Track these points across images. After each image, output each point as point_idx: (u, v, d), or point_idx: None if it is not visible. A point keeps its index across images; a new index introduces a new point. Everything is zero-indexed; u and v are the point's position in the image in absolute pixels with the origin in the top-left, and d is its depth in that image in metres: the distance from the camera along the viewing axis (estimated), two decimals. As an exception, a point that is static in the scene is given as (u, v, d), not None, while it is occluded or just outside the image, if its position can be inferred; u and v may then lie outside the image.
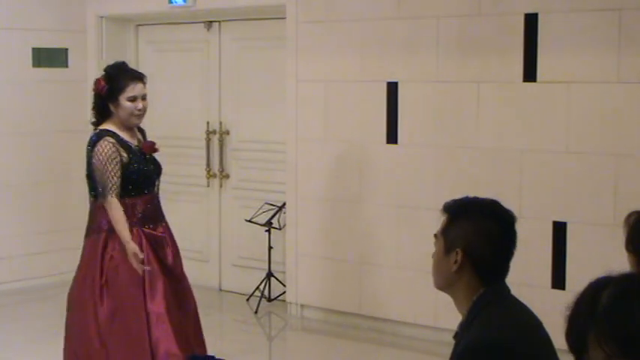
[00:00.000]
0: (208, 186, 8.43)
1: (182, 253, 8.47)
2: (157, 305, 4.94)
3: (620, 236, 3.16)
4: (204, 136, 8.38)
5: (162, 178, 8.36)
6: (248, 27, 8.14)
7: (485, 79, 6.44)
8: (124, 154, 4.95)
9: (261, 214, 7.60)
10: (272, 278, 7.69)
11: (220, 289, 8.39)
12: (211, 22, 8.34)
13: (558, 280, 6.19)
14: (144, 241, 4.99)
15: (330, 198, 7.27)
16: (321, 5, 7.20)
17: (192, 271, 8.50)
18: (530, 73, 6.24)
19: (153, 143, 5.18)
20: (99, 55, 8.65)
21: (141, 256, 4.85)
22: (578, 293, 1.78)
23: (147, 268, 4.90)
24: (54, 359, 6.37)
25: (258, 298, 7.64)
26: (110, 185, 4.87)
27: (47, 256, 8.44)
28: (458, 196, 2.99)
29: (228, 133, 8.31)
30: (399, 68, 6.83)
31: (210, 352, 5.55)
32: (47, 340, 6.58)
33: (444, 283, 2.84)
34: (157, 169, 5.24)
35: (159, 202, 5.25)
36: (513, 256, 2.82)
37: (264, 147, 8.02)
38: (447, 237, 2.81)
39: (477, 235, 2.76)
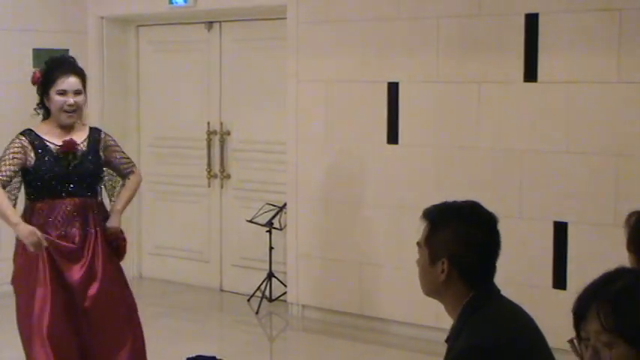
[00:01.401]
0: (209, 186, 8.44)
1: (182, 254, 8.61)
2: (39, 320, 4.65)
3: (620, 236, 3.16)
4: (205, 136, 8.38)
5: (163, 178, 8.37)
6: (249, 27, 8.15)
7: (485, 80, 6.45)
8: (31, 156, 4.68)
9: (262, 214, 7.61)
10: (273, 278, 7.69)
11: (221, 290, 8.40)
12: (212, 22, 8.35)
13: (559, 281, 6.19)
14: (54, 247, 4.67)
15: (331, 198, 7.28)
16: (322, 5, 7.21)
17: (193, 271, 8.56)
18: (530, 73, 6.25)
19: (72, 142, 4.73)
20: (100, 56, 8.65)
21: (38, 234, 4.54)
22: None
23: (45, 244, 4.59)
24: None
25: (259, 299, 7.64)
26: None
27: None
28: (459, 197, 2.99)
29: (229, 133, 8.32)
30: (400, 68, 6.84)
31: (211, 352, 5.55)
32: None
33: (433, 291, 2.84)
34: (87, 170, 4.76)
35: (89, 206, 4.79)
36: (499, 256, 2.82)
37: (265, 147, 8.02)
38: (431, 246, 2.80)
39: (459, 243, 2.75)
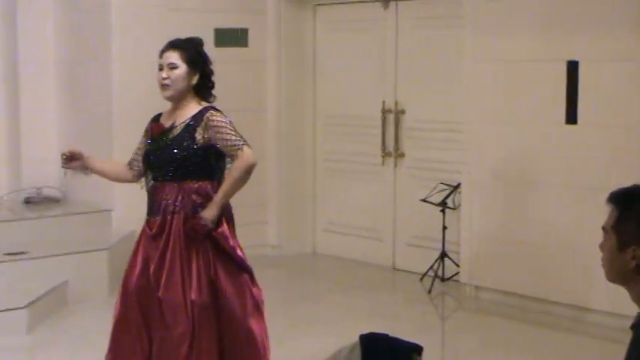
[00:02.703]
0: (383, 165, 8.47)
1: (356, 232, 8.68)
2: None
3: None
4: (380, 115, 8.40)
5: (338, 156, 8.46)
6: (425, 5, 8.10)
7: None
8: (142, 139, 4.66)
9: (435, 193, 7.58)
10: (446, 258, 7.66)
11: (394, 268, 8.43)
12: (388, 1, 8.34)
13: None
14: (144, 229, 4.55)
15: (506, 179, 7.17)
16: (500, -17, 7.09)
17: (366, 249, 8.63)
18: None
19: (159, 126, 4.54)
20: (277, 35, 8.80)
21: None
22: None
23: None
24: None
25: (432, 278, 7.62)
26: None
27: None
28: (638, 179, 2.88)
29: (403, 112, 8.31)
30: (580, 46, 6.65)
31: (383, 330, 5.59)
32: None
33: (620, 278, 2.74)
34: (169, 155, 4.45)
35: (163, 194, 4.47)
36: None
37: (440, 127, 7.97)
38: (619, 232, 2.70)
39: None
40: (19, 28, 8.32)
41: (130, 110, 8.01)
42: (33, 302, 6.46)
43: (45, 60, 8.48)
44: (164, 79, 4.46)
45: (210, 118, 4.44)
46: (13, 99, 8.46)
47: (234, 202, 8.29)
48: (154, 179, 4.50)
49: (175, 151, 4.41)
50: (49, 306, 6.69)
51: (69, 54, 8.51)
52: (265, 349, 4.55)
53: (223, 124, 4.44)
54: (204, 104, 4.55)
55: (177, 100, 4.51)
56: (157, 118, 4.62)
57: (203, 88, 4.59)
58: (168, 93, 4.49)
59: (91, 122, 8.34)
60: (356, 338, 5.49)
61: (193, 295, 4.32)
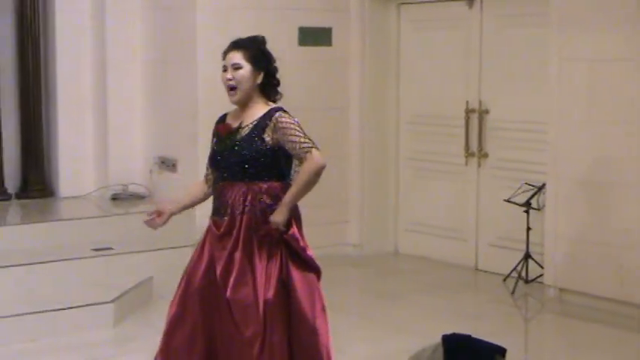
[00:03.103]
0: (466, 164, 8.40)
1: (438, 232, 8.63)
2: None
3: None
4: (463, 114, 8.34)
5: (421, 155, 8.44)
6: (510, 4, 8.02)
7: None
8: (212, 144, 4.58)
9: (519, 194, 7.50)
10: (530, 260, 7.57)
11: (476, 269, 8.36)
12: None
13: None
14: (210, 228, 4.46)
15: (591, 179, 7.06)
16: (588, -20, 6.98)
17: (448, 249, 8.57)
18: None
19: (225, 127, 4.48)
20: (361, 34, 8.80)
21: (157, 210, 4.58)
22: None
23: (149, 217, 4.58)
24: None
25: (515, 279, 7.55)
26: None
27: (310, 229, 8.70)
28: None
29: (487, 112, 8.23)
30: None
31: (466, 331, 5.56)
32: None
33: None
34: (236, 156, 4.36)
35: (231, 194, 4.37)
36: None
37: (525, 127, 7.88)
38: None
39: None
40: (107, 27, 8.47)
41: (215, 110, 8.03)
42: (119, 297, 6.58)
43: (132, 59, 8.62)
44: (229, 80, 4.41)
45: (279, 119, 4.36)
46: (100, 97, 8.62)
47: (315, 200, 8.28)
48: (222, 179, 4.41)
49: (244, 151, 4.34)
50: (134, 301, 6.80)
51: (155, 54, 8.63)
52: (329, 350, 4.44)
53: (292, 126, 4.35)
54: (272, 104, 4.48)
55: (244, 101, 4.44)
56: (222, 119, 4.58)
57: (268, 86, 4.52)
58: (235, 97, 4.43)
59: (176, 122, 8.44)
60: (438, 339, 5.47)
61: (264, 295, 4.27)
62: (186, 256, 7.23)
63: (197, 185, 4.68)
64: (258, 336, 4.24)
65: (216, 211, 4.43)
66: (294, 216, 4.42)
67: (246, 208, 4.32)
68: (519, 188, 7.53)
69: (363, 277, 8.31)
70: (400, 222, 9.05)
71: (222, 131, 4.47)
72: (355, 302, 7.52)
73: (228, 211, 4.35)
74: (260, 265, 4.30)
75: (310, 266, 4.46)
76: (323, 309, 4.44)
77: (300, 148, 4.32)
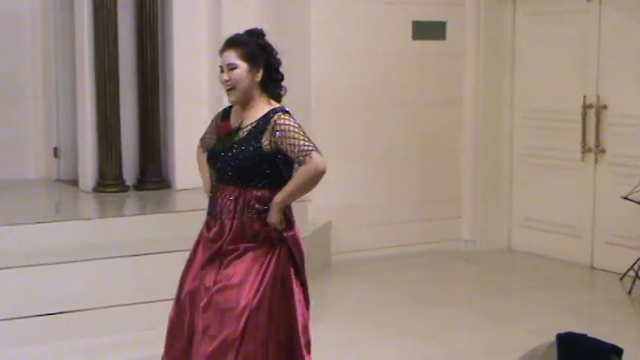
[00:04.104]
0: (583, 160, 8.24)
1: (553, 228, 8.50)
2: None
3: None
4: (580, 110, 8.18)
5: (536, 151, 8.30)
6: (631, -4, 7.84)
7: None
8: (213, 137, 4.34)
9: (638, 191, 7.32)
10: (648, 259, 7.40)
11: (592, 267, 8.20)
12: (592, -8, 8.13)
13: None
14: (203, 230, 4.29)
15: None
16: None
17: (563, 246, 8.43)
18: None
19: (224, 126, 4.24)
20: (476, 28, 8.72)
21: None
22: None
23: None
24: (433, 323, 6.62)
25: (632, 279, 7.37)
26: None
27: (422, 224, 8.69)
28: None
29: (605, 107, 8.06)
30: None
31: (581, 330, 5.45)
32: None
33: None
34: (229, 159, 4.13)
35: (222, 198, 4.17)
36: None
37: (644, 122, 7.70)
38: None
39: None
40: (223, 21, 8.58)
41: (328, 105, 8.17)
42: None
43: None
44: (226, 81, 4.15)
45: (277, 121, 4.07)
46: (215, 90, 8.73)
47: (428, 196, 8.34)
48: (217, 180, 4.21)
49: (240, 155, 4.08)
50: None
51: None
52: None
53: (291, 128, 4.05)
54: (274, 104, 4.19)
55: (244, 100, 4.18)
56: (226, 113, 4.33)
57: (271, 82, 4.24)
58: (233, 97, 4.17)
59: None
60: (552, 337, 5.38)
61: (246, 301, 4.03)
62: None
63: (202, 158, 4.43)
64: (233, 342, 4.01)
65: (209, 211, 4.25)
66: (291, 216, 4.20)
67: (237, 214, 4.10)
68: (638, 185, 7.35)
69: (475, 273, 8.24)
70: (514, 218, 8.94)
71: (221, 131, 4.22)
72: (467, 298, 7.46)
73: (219, 214, 4.15)
74: (256, 269, 4.08)
75: (301, 281, 4.24)
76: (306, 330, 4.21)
77: (299, 150, 4.02)
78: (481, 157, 8.83)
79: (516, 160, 8.90)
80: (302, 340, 4.13)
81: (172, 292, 4.31)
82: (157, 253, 6.79)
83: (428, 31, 8.63)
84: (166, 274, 6.51)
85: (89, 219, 7.32)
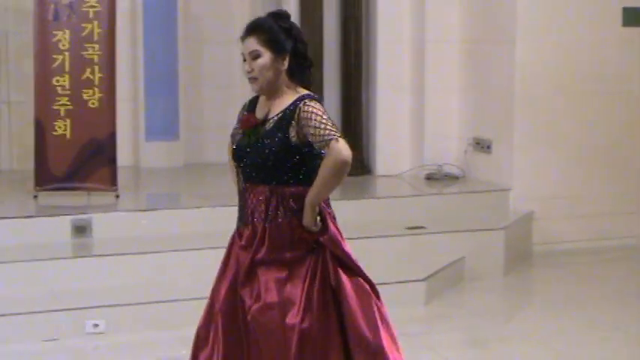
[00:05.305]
0: None
1: None
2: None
3: None
4: None
5: None
6: None
7: None
8: (235, 131, 3.94)
9: None
10: None
11: None
12: None
13: None
14: (234, 238, 3.91)
15: None
16: None
17: None
18: None
19: (247, 119, 3.86)
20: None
21: None
22: None
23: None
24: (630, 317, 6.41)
25: None
26: None
27: (626, 217, 8.41)
28: None
29: None
30: None
31: None
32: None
33: None
34: (256, 154, 3.75)
35: (253, 199, 3.79)
36: None
37: None
38: None
39: None
40: (426, 10, 8.59)
41: (532, 92, 8.02)
42: (431, 275, 6.68)
43: (450, 39, 8.68)
44: (248, 72, 3.76)
45: (303, 108, 3.71)
46: (418, 77, 8.76)
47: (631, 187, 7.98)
48: (245, 180, 3.82)
49: (266, 149, 3.72)
50: (446, 280, 6.88)
51: (473, 34, 8.62)
52: None
53: (315, 112, 3.69)
54: (302, 91, 3.83)
55: (270, 90, 3.81)
56: (252, 104, 3.94)
57: (298, 69, 3.84)
58: (257, 87, 3.79)
59: (492, 102, 8.42)
60: None
61: (294, 319, 3.66)
62: (498, 239, 7.29)
63: (232, 169, 3.99)
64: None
65: (240, 217, 3.86)
66: (328, 215, 3.85)
67: (270, 216, 3.74)
68: None
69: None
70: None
71: (246, 124, 3.84)
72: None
73: (250, 219, 3.77)
74: (300, 283, 3.72)
75: (358, 274, 3.84)
76: (384, 322, 3.83)
77: (320, 136, 3.65)
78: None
79: None
80: (383, 341, 3.74)
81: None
82: (359, 237, 6.86)
83: (639, 17, 8.33)
84: (366, 260, 6.59)
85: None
